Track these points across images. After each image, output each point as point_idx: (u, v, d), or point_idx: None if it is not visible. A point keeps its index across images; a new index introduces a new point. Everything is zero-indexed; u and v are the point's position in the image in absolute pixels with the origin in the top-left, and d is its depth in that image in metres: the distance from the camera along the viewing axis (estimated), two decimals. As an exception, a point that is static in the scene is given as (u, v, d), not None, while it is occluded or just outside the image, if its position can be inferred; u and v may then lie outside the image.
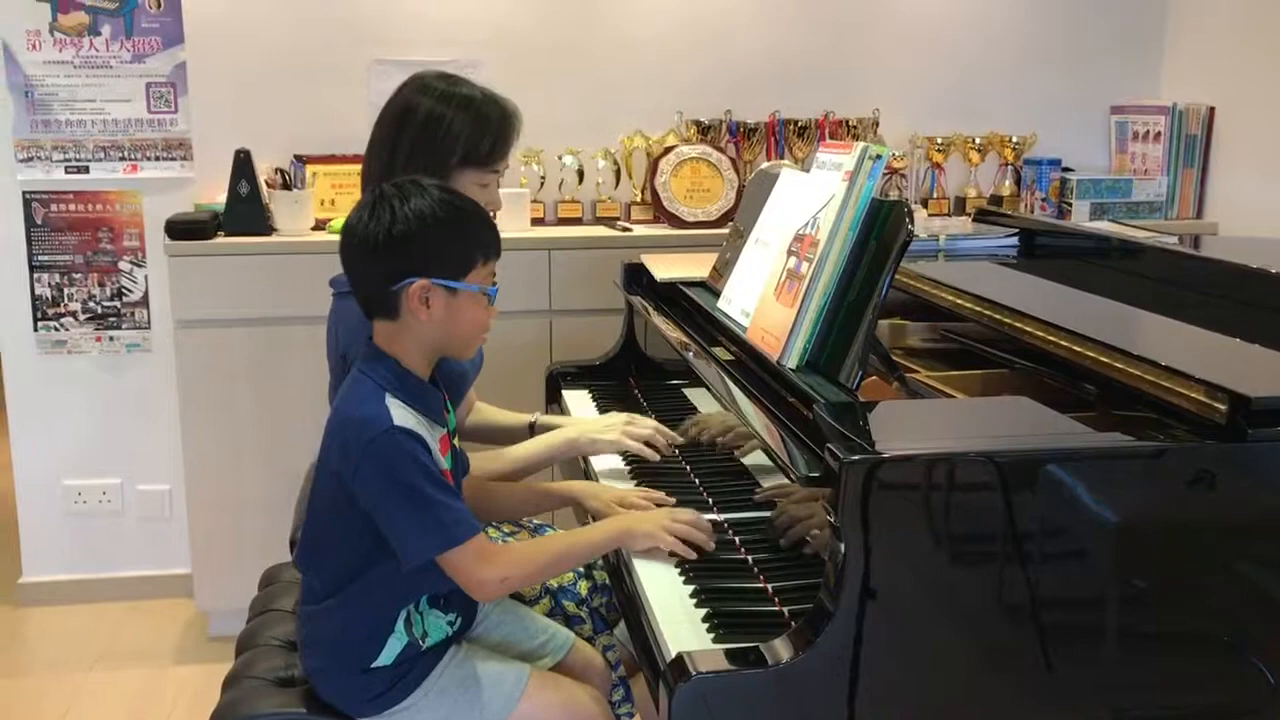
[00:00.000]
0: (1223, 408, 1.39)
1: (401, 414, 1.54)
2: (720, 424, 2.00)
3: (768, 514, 1.73)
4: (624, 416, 2.05)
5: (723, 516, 1.80)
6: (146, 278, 3.25)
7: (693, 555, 1.62)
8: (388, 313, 1.57)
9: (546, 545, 1.75)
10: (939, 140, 3.47)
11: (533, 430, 2.17)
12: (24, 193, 3.17)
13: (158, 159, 3.20)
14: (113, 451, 3.31)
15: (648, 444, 1.97)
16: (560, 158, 3.32)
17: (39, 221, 3.19)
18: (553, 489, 1.92)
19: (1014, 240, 2.60)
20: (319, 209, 3.12)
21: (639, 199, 3.38)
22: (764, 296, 1.83)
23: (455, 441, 1.70)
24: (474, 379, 2.04)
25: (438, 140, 1.85)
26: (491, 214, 1.90)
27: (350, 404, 1.58)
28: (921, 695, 1.38)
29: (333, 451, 1.58)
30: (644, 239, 3.15)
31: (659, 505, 1.79)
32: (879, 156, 1.68)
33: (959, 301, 2.01)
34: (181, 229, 2.97)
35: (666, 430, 2.01)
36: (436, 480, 1.53)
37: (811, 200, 1.79)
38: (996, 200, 3.49)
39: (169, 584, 3.35)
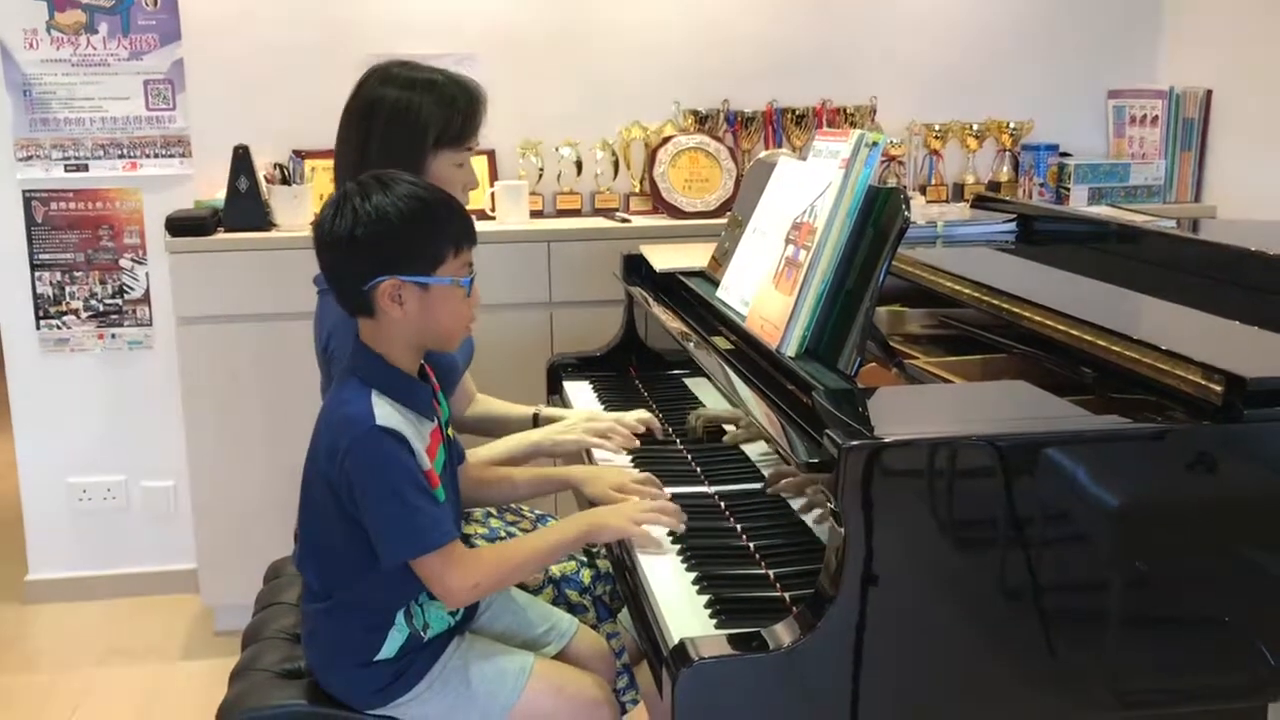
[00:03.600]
0: (1219, 389, 1.40)
1: (386, 412, 1.53)
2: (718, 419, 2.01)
3: (760, 485, 1.75)
4: (586, 413, 2.06)
5: (714, 489, 1.82)
6: (147, 275, 3.26)
7: (661, 542, 1.63)
8: (365, 311, 1.57)
9: (517, 548, 1.74)
10: (937, 127, 3.48)
11: (536, 421, 2.18)
12: (24, 191, 3.18)
13: (157, 156, 3.21)
14: (117, 448, 3.32)
15: (606, 436, 1.98)
16: (558, 149, 3.32)
17: (39, 220, 3.20)
18: (552, 474, 1.94)
19: (1012, 226, 2.60)
20: (318, 204, 3.12)
21: (637, 190, 3.38)
22: (763, 285, 1.84)
23: (449, 432, 1.70)
24: (465, 368, 2.05)
25: (410, 127, 1.86)
26: (469, 192, 1.92)
27: (336, 402, 1.58)
28: (923, 678, 1.39)
29: (319, 449, 1.58)
30: (643, 230, 3.16)
31: (649, 488, 1.80)
32: (875, 144, 1.69)
33: (957, 287, 2.02)
34: (182, 226, 2.98)
35: (628, 420, 2.02)
36: (416, 483, 1.53)
37: (809, 188, 1.79)
38: (994, 186, 3.50)
39: (175, 579, 3.36)
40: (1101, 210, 3.14)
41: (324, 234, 1.56)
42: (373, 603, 1.61)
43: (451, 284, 1.57)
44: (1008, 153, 3.52)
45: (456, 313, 1.59)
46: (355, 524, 1.55)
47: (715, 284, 2.14)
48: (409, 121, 1.86)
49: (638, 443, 2.00)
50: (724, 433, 2.01)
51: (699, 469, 1.95)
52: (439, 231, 1.56)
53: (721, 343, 1.96)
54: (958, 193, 3.50)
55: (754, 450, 1.87)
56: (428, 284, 1.55)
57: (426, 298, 1.55)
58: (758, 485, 1.79)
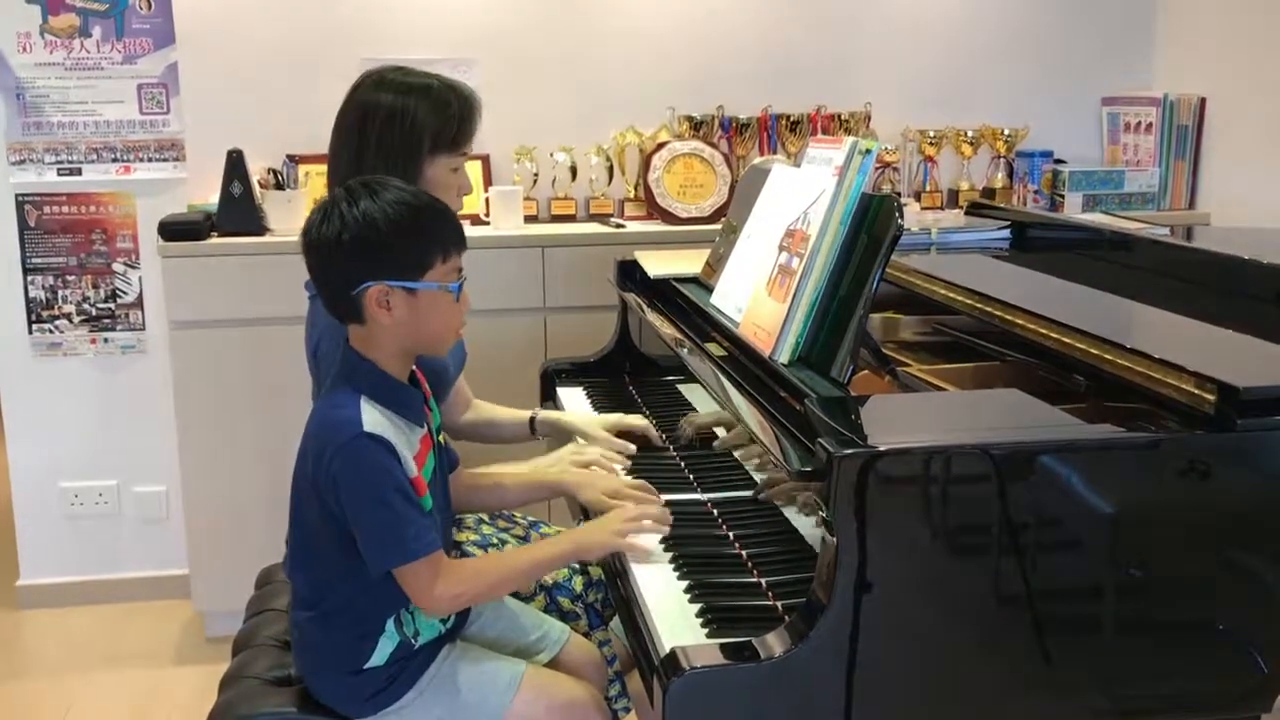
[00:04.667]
0: (1211, 398, 1.40)
1: (374, 418, 1.53)
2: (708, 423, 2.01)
3: (750, 493, 1.75)
4: (571, 448, 2.04)
5: (707, 496, 1.82)
6: (140, 279, 3.25)
7: (650, 549, 1.63)
8: (354, 317, 1.57)
9: (502, 562, 1.75)
10: (931, 133, 3.48)
11: (532, 425, 2.18)
12: (16, 195, 3.17)
13: (150, 160, 3.20)
14: (109, 453, 3.31)
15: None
16: (553, 155, 3.32)
17: (32, 224, 3.19)
18: (545, 480, 1.93)
19: (1006, 233, 2.60)
20: (311, 209, 3.12)
21: (632, 195, 3.38)
22: (756, 292, 1.84)
23: (440, 438, 1.70)
24: (457, 373, 2.04)
25: (404, 133, 1.86)
26: (464, 196, 1.91)
27: (325, 407, 1.58)
28: (916, 687, 1.39)
29: (308, 456, 1.58)
30: (637, 235, 3.15)
31: (643, 494, 1.80)
32: (868, 151, 1.69)
33: (951, 295, 2.01)
34: (175, 230, 2.97)
35: (615, 456, 1.99)
36: (402, 490, 1.52)
37: (802, 195, 1.79)
38: (989, 193, 3.50)
39: (166, 585, 3.35)
40: (1095, 217, 3.14)
41: (311, 239, 1.56)
42: (363, 610, 1.60)
43: (439, 289, 1.56)
44: (1002, 159, 3.53)
45: (446, 317, 1.58)
46: (344, 531, 1.54)
47: (709, 290, 2.13)
48: (404, 127, 1.86)
49: (627, 460, 1.99)
50: (715, 438, 2.01)
51: (691, 476, 1.94)
52: (427, 237, 1.55)
53: (715, 349, 1.96)
54: (952, 199, 3.50)
55: (746, 455, 1.87)
56: (415, 289, 1.54)
57: (415, 303, 1.55)
58: (750, 493, 1.78)
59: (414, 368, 1.65)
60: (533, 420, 2.19)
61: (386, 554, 1.52)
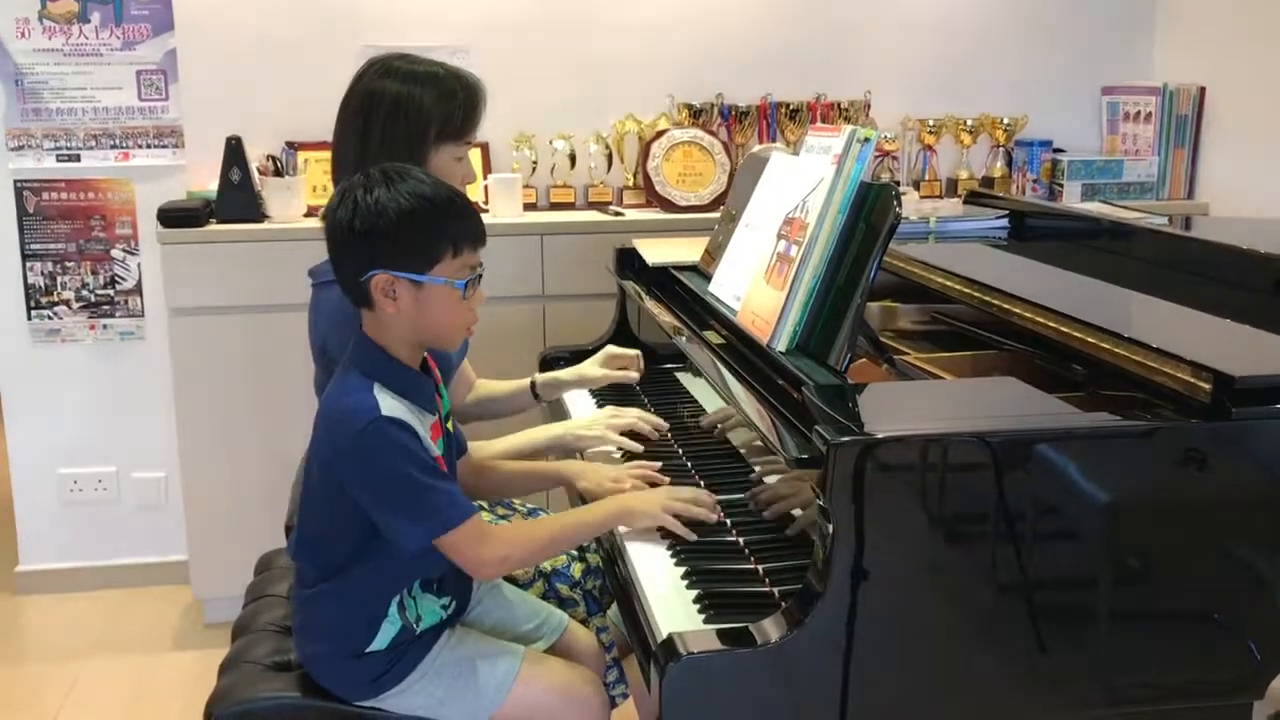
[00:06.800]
0: (1207, 387, 1.40)
1: (390, 403, 1.53)
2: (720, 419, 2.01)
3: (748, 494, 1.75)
4: (609, 410, 2.07)
5: (704, 483, 1.82)
6: (139, 266, 3.25)
7: (693, 536, 1.63)
8: (364, 302, 1.57)
9: (546, 524, 1.75)
10: (931, 122, 3.47)
11: (534, 389, 2.19)
12: (15, 181, 3.17)
13: (149, 146, 3.20)
14: (108, 439, 3.32)
15: (633, 433, 1.98)
16: (552, 142, 3.32)
17: (31, 210, 3.19)
18: (546, 469, 1.94)
19: (1004, 222, 2.60)
20: (311, 195, 3.12)
21: (631, 183, 3.38)
22: (754, 280, 1.84)
23: (449, 425, 1.70)
24: (459, 361, 2.05)
25: (410, 121, 1.85)
26: (466, 185, 1.92)
27: (339, 394, 1.58)
28: (911, 673, 1.40)
29: (322, 442, 1.58)
30: (636, 223, 3.16)
31: (653, 482, 1.80)
32: (867, 140, 1.69)
33: (948, 284, 2.02)
34: (174, 217, 2.97)
35: (651, 417, 2.01)
36: (427, 466, 1.53)
37: (801, 184, 1.79)
38: (988, 182, 3.50)
39: (165, 571, 3.36)
40: (1094, 207, 3.14)
41: (328, 222, 1.57)
42: (367, 592, 1.61)
43: (445, 284, 1.55)
44: (1001, 148, 3.53)
45: (452, 314, 1.57)
46: (354, 510, 1.55)
47: (708, 278, 2.14)
48: (410, 115, 1.85)
49: (665, 428, 2.00)
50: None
51: (690, 463, 1.95)
52: (436, 231, 1.55)
53: (713, 337, 1.96)
54: (951, 188, 3.50)
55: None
56: (421, 282, 1.54)
57: (421, 295, 1.55)
58: (750, 491, 1.78)
59: (425, 355, 1.65)
60: (534, 385, 2.20)
61: (424, 528, 1.52)
